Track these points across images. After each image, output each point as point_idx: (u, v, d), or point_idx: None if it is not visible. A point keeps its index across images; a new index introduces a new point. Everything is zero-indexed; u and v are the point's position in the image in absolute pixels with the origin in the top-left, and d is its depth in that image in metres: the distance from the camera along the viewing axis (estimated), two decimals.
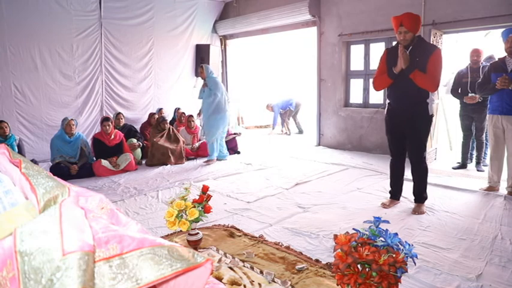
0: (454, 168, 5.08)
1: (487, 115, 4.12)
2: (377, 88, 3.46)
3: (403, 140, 3.42)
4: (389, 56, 3.33)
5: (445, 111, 6.24)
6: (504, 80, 3.67)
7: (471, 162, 5.17)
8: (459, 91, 4.94)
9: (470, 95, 4.76)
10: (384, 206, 3.58)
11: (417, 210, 3.40)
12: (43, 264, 0.50)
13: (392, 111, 3.42)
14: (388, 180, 3.71)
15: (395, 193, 3.64)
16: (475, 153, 5.09)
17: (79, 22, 6.21)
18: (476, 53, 4.85)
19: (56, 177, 0.69)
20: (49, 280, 0.48)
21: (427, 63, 3.10)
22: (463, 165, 5.08)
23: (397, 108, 3.37)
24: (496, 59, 4.22)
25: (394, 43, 4.12)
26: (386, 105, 3.49)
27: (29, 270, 0.50)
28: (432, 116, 3.32)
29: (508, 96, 3.76)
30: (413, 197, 3.52)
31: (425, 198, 3.48)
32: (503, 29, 3.98)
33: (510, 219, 3.24)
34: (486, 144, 4.99)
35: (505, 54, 3.84)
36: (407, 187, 3.62)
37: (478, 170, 4.91)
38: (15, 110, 5.76)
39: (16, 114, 5.77)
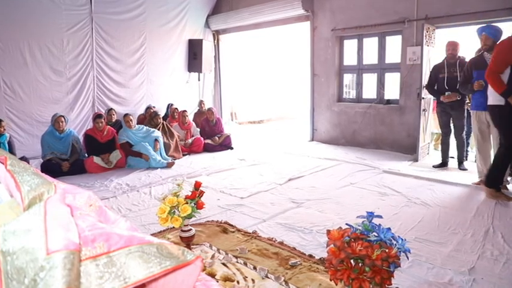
0: (434, 167, 4.89)
1: (472, 111, 4.12)
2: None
3: None
4: None
5: None
6: (479, 85, 3.82)
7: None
8: (435, 87, 4.78)
9: (447, 93, 4.58)
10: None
11: None
12: (26, 264, 0.48)
13: None
14: (382, 175, 3.72)
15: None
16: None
17: (69, 17, 6.11)
18: (452, 46, 4.63)
19: (43, 174, 0.67)
20: (32, 280, 0.47)
21: None
22: (443, 164, 4.91)
23: None
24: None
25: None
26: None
27: (12, 270, 0.48)
28: None
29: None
30: None
31: None
32: (479, 27, 3.96)
33: (502, 213, 3.28)
34: (468, 143, 4.91)
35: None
36: (396, 180, 3.63)
37: (460, 169, 4.74)
38: (4, 107, 5.67)
39: (6, 111, 5.68)
